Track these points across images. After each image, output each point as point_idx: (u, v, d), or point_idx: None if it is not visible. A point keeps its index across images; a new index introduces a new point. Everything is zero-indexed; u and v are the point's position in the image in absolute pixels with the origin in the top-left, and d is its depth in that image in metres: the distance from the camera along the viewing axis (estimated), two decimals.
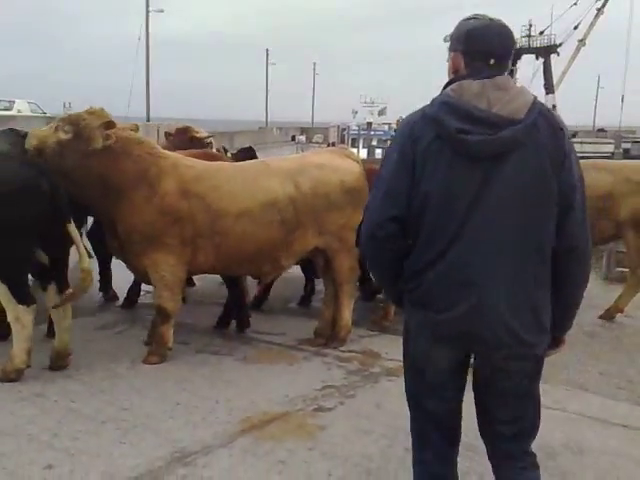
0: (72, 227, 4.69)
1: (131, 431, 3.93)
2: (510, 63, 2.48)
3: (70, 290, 4.80)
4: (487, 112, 2.27)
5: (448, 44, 2.50)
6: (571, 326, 2.60)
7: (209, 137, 7.51)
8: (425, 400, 2.63)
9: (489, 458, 2.70)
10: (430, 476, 2.69)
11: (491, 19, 2.43)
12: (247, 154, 7.32)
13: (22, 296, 4.55)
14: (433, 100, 2.38)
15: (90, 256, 6.71)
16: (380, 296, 6.51)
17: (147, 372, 4.88)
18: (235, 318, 5.97)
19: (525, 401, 2.58)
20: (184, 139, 7.07)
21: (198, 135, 7.30)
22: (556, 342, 2.57)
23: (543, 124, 2.31)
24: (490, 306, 2.32)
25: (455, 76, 2.42)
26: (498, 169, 2.27)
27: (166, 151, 5.32)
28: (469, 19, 2.46)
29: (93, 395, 4.44)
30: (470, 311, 2.33)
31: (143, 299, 6.77)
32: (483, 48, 2.37)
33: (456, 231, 2.30)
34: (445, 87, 2.40)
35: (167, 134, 7.54)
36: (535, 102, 2.34)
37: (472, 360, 2.58)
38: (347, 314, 5.63)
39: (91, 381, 4.68)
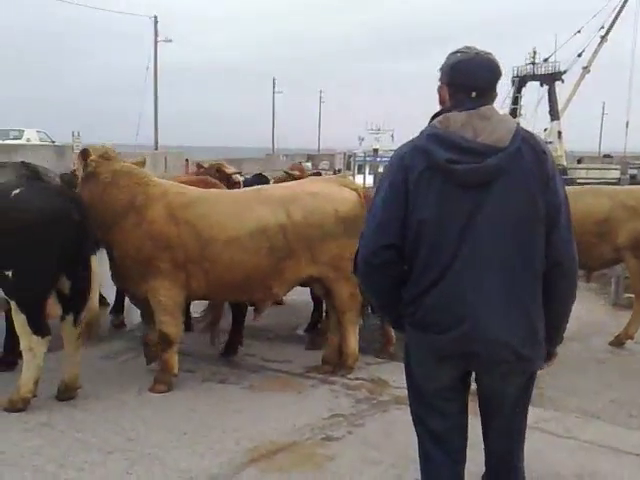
0: (95, 261, 4.74)
1: (138, 461, 3.90)
2: (495, 92, 2.57)
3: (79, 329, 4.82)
4: (473, 142, 2.39)
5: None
6: (562, 340, 2.68)
7: (236, 174, 7.84)
8: (427, 419, 2.72)
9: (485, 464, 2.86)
10: None
11: (477, 52, 2.53)
12: (259, 180, 7.56)
13: (38, 326, 4.56)
14: (422, 132, 2.51)
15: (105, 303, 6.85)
16: (376, 322, 6.45)
17: (154, 401, 4.85)
18: (228, 341, 6.00)
19: (520, 414, 2.69)
20: (212, 173, 7.33)
21: (227, 171, 7.54)
22: (549, 356, 2.66)
23: (527, 149, 2.43)
24: (487, 325, 2.41)
25: (442, 107, 2.55)
26: (487, 195, 2.40)
27: (158, 179, 5.47)
28: (456, 52, 2.57)
29: (99, 425, 4.41)
30: (468, 332, 2.43)
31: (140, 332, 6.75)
32: (465, 82, 2.49)
33: (450, 256, 2.42)
34: (433, 118, 2.52)
35: (199, 166, 8.13)
36: (518, 129, 2.45)
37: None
38: (353, 341, 5.58)
39: (98, 411, 4.65)
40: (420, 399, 2.72)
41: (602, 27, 44.46)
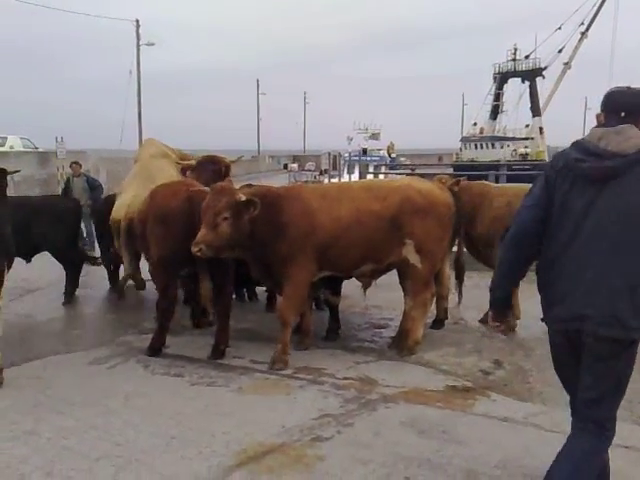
0: None
1: (126, 468, 3.86)
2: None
3: None
4: (600, 149, 3.00)
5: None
6: None
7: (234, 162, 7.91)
8: (560, 373, 3.37)
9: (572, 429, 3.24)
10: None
11: (628, 87, 3.18)
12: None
13: None
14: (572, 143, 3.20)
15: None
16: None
17: (141, 407, 4.81)
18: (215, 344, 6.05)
19: (614, 378, 3.09)
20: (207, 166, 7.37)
21: (227, 160, 7.60)
22: None
23: None
24: (599, 294, 2.95)
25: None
26: (604, 189, 3.00)
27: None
28: (613, 89, 3.22)
29: (86, 432, 4.37)
30: (583, 298, 2.99)
31: (127, 338, 6.73)
32: (615, 105, 3.12)
33: (570, 236, 3.06)
34: None
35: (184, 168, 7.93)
36: None
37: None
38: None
39: (84, 417, 4.60)
40: (554, 359, 3.36)
41: (582, 23, 44.85)
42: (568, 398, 3.33)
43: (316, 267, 5.89)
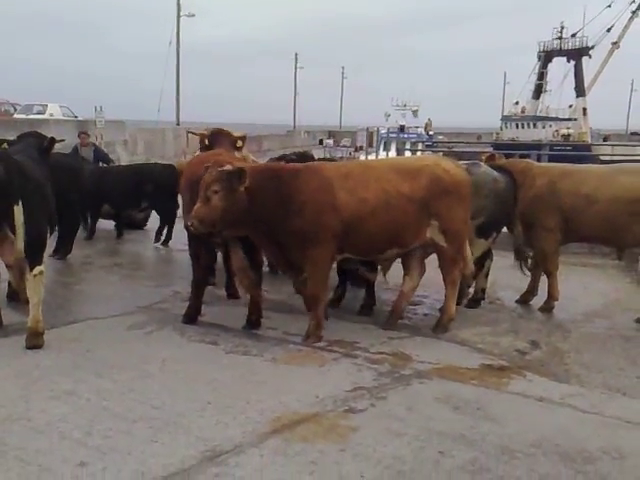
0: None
1: (162, 430, 3.93)
2: None
3: None
4: None
5: None
6: None
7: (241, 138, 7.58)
8: None
9: None
10: None
11: None
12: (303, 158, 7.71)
13: None
14: None
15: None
16: None
17: (178, 372, 4.88)
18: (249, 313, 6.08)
19: None
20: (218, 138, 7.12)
21: (235, 135, 7.28)
22: None
23: None
24: None
25: None
26: None
27: None
28: None
29: (124, 394, 4.45)
30: None
31: (164, 305, 6.83)
32: None
33: None
34: None
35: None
36: None
37: None
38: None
39: (122, 380, 4.69)
40: None
41: (633, 1, 43.45)
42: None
43: (337, 248, 5.69)
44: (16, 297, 6.21)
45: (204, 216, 5.32)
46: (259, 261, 6.20)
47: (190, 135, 13.10)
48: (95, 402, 4.31)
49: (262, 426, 4.01)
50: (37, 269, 5.25)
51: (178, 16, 40.63)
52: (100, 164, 12.20)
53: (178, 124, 39.34)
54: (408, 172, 5.86)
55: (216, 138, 6.97)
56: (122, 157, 23.54)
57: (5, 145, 6.16)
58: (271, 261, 7.10)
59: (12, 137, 6.87)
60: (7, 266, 5.73)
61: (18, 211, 5.12)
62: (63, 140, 7.69)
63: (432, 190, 5.79)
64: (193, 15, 41.30)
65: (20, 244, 5.18)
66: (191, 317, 6.16)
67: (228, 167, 5.38)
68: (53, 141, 6.43)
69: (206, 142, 7.04)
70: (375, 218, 5.62)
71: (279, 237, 5.61)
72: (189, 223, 5.40)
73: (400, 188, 5.73)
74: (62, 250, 8.72)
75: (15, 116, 29.70)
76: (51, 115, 29.23)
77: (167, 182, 10.14)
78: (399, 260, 6.26)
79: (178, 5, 40.61)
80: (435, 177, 5.84)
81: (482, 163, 6.99)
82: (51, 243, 6.82)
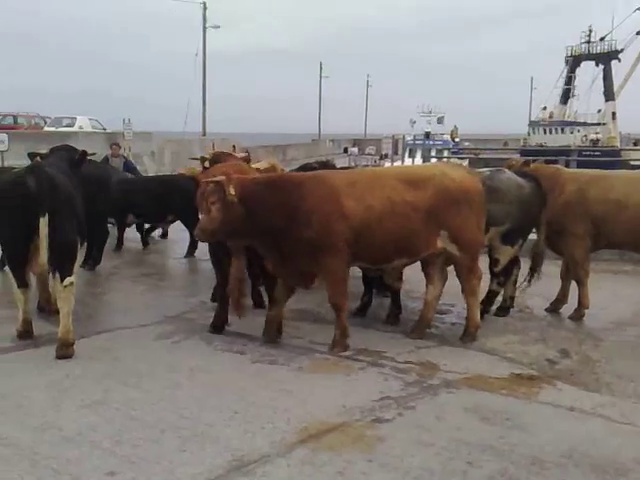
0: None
1: (191, 439, 3.96)
2: None
3: None
4: None
5: None
6: None
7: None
8: None
9: None
10: None
11: None
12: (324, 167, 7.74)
13: None
14: None
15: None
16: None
17: (205, 381, 4.91)
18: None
19: None
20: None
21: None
22: None
23: None
24: None
25: None
26: None
27: None
28: None
29: (153, 403, 4.49)
30: None
31: (191, 314, 6.88)
32: None
33: None
34: None
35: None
36: None
37: None
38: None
39: (151, 389, 4.73)
40: None
41: None
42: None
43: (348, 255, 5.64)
44: (47, 308, 6.32)
45: (205, 226, 5.47)
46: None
47: (216, 147, 13.21)
48: (124, 411, 4.35)
49: (289, 436, 4.02)
50: (67, 280, 5.33)
51: (204, 28, 41.07)
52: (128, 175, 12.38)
53: (204, 135, 39.68)
54: (414, 182, 5.79)
55: (218, 162, 7.01)
56: (150, 168, 23.82)
57: (38, 158, 6.30)
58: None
59: (43, 149, 7.01)
60: None
61: (43, 223, 5.21)
62: (94, 154, 7.82)
63: (439, 200, 5.74)
64: (218, 27, 41.73)
65: (44, 255, 5.27)
66: (218, 327, 6.20)
67: (216, 179, 5.44)
68: (85, 154, 6.55)
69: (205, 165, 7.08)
70: (382, 226, 5.60)
71: (286, 247, 5.57)
72: (195, 233, 5.51)
73: (406, 197, 5.68)
74: (91, 261, 8.84)
75: (45, 129, 30.30)
76: (80, 128, 29.73)
77: (193, 194, 10.18)
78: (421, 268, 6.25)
79: (204, 17, 41.06)
80: (442, 187, 5.77)
81: (506, 169, 6.91)
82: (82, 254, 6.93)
